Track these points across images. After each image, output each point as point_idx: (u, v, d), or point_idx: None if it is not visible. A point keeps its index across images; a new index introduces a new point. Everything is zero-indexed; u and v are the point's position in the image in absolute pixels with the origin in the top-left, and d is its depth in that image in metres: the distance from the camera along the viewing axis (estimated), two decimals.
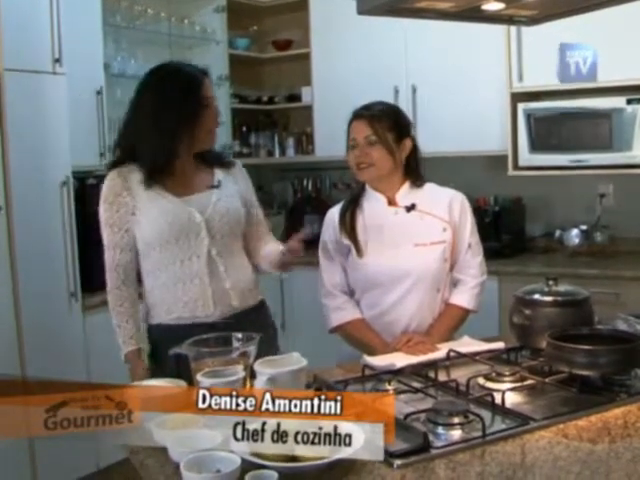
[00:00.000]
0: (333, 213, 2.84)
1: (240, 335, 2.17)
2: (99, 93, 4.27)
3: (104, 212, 2.52)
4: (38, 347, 3.68)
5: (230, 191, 2.60)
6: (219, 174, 2.61)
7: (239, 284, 2.56)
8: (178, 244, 2.47)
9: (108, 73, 4.43)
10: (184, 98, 2.45)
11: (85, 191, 4.10)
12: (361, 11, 2.20)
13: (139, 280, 2.60)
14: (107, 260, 2.54)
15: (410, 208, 2.73)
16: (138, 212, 2.48)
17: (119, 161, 2.54)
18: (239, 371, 1.93)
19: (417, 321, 2.71)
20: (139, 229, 2.49)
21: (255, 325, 2.44)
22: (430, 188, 2.81)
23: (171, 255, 2.48)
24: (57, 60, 3.81)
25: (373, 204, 2.78)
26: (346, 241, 2.74)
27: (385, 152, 2.68)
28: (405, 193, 2.76)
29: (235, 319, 2.51)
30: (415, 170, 2.79)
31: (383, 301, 2.71)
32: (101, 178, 4.14)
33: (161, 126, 2.43)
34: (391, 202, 2.76)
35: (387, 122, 2.71)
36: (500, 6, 2.22)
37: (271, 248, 2.65)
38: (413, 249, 2.69)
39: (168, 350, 2.23)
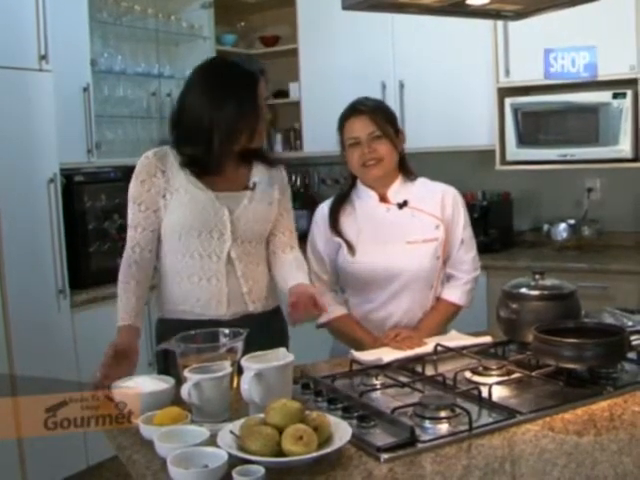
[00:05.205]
0: (323, 209, 2.80)
1: (227, 331, 2.16)
2: (86, 90, 4.27)
3: (134, 189, 2.47)
4: (26, 344, 3.67)
5: (262, 195, 2.54)
6: (256, 175, 2.55)
7: (255, 290, 2.52)
8: (200, 238, 2.43)
9: (95, 70, 4.41)
10: (246, 93, 2.42)
11: (73, 188, 4.12)
12: (346, 6, 2.20)
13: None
14: (128, 238, 2.49)
15: (402, 205, 2.71)
16: (168, 195, 2.43)
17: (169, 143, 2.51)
18: (226, 367, 1.93)
19: (409, 317, 2.71)
20: (166, 212, 2.44)
21: (265, 329, 2.44)
22: (422, 183, 2.79)
23: (191, 247, 2.44)
24: (43, 57, 3.79)
25: (364, 201, 2.76)
26: (337, 238, 2.71)
27: (391, 146, 2.66)
28: (397, 189, 2.74)
29: (246, 320, 2.42)
30: (406, 164, 2.78)
31: (375, 298, 2.70)
32: (89, 175, 4.22)
33: (223, 116, 2.39)
34: (383, 199, 2.74)
35: (385, 116, 2.69)
36: (484, 0, 2.22)
37: (285, 273, 2.57)
38: (405, 247, 2.67)
39: None
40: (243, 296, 2.49)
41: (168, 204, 2.43)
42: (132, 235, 2.47)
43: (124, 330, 2.34)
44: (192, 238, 2.44)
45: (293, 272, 2.55)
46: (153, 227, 2.46)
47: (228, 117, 2.39)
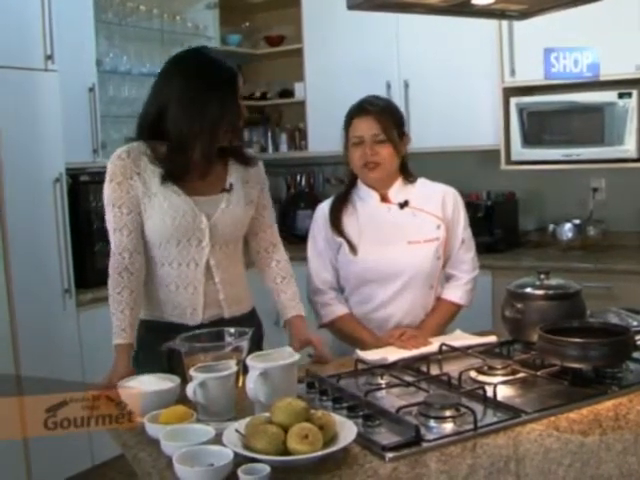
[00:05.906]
0: (323, 208, 2.80)
1: (232, 330, 2.16)
2: (91, 90, 4.28)
3: (112, 192, 2.35)
4: (32, 344, 3.68)
5: (238, 195, 2.45)
6: (233, 174, 2.47)
7: (232, 295, 2.48)
8: (178, 247, 2.37)
9: (100, 70, 4.43)
10: (227, 88, 2.33)
11: (78, 188, 4.12)
12: (351, 6, 2.20)
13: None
14: (113, 244, 2.36)
15: (403, 205, 2.71)
16: (146, 200, 2.33)
17: (139, 138, 2.41)
18: (232, 366, 1.93)
19: (410, 317, 2.71)
20: (144, 217, 2.36)
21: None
22: (422, 183, 2.79)
23: (169, 255, 2.38)
24: (49, 57, 3.81)
25: (365, 200, 2.75)
26: (337, 238, 2.71)
27: (393, 150, 2.65)
28: (398, 189, 2.74)
29: (222, 325, 2.32)
30: (407, 167, 2.78)
31: (376, 298, 2.70)
32: (94, 175, 4.22)
33: (206, 117, 2.29)
34: (384, 199, 2.73)
35: (391, 118, 2.67)
36: (489, 0, 2.22)
37: (277, 298, 2.60)
38: (406, 247, 2.68)
39: (151, 344, 2.21)
40: (220, 302, 2.45)
41: (146, 209, 2.35)
42: (118, 239, 2.36)
43: (122, 351, 2.27)
44: (171, 247, 2.38)
45: (285, 301, 2.57)
46: (139, 230, 2.37)
47: (211, 118, 2.30)
